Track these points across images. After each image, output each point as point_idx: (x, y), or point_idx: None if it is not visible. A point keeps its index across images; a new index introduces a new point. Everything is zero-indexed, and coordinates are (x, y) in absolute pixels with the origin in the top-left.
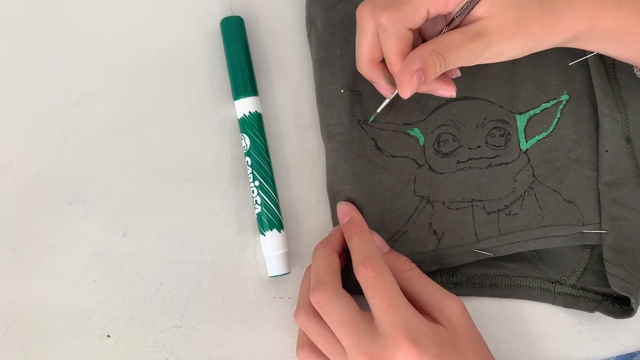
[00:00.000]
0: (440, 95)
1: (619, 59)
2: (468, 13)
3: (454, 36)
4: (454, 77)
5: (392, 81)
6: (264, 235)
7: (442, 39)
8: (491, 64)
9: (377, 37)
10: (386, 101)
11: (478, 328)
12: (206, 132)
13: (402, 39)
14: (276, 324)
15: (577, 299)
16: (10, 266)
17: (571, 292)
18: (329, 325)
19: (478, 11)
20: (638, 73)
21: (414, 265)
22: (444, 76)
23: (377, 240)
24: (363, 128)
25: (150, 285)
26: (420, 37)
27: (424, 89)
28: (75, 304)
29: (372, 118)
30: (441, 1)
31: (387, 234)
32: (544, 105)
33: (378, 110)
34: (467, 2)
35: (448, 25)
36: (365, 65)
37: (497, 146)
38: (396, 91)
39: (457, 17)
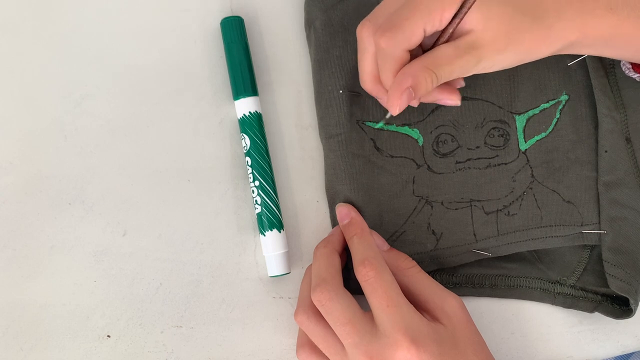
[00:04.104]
0: (445, 104)
1: (612, 58)
2: (457, 25)
3: (446, 50)
4: (459, 87)
5: None
6: (264, 235)
7: (434, 54)
8: None
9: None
10: (389, 114)
11: (478, 328)
12: (206, 132)
13: (399, 60)
14: (276, 324)
15: (576, 299)
16: (10, 266)
17: (571, 292)
18: (330, 324)
19: (469, 24)
20: (624, 67)
21: (414, 262)
22: (449, 85)
23: (377, 239)
24: (362, 128)
25: (150, 285)
26: (420, 47)
27: (428, 99)
28: (75, 304)
29: (380, 124)
30: (436, 18)
31: (385, 233)
32: (543, 106)
33: (383, 121)
34: (456, 14)
35: (439, 37)
36: (370, 84)
37: (496, 146)
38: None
39: (447, 29)
